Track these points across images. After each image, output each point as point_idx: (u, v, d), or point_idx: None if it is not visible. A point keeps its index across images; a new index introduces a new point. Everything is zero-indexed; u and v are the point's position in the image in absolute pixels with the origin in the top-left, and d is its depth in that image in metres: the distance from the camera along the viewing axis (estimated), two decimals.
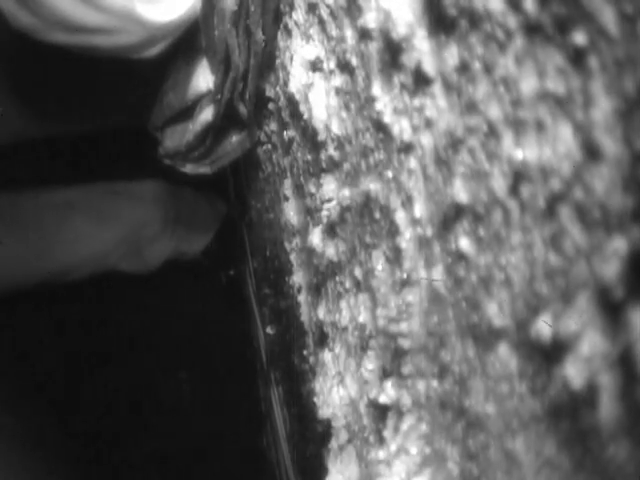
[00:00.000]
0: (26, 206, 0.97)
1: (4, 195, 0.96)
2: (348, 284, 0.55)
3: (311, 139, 0.57)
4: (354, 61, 0.47)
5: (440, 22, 0.36)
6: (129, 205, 1.03)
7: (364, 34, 0.44)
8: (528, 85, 0.30)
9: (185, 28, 0.57)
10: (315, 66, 0.54)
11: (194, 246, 1.09)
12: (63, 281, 1.00)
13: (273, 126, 0.69)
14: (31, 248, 0.96)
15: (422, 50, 0.38)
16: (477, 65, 0.33)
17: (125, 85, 0.78)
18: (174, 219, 1.06)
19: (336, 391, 0.59)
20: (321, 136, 0.54)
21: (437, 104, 0.38)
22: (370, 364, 0.52)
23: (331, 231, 0.57)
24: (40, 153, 0.99)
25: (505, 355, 0.35)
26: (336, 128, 0.52)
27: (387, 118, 0.43)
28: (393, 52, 0.41)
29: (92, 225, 0.99)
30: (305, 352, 0.70)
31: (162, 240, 1.05)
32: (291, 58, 0.58)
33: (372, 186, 0.47)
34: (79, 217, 0.98)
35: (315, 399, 0.63)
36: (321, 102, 0.53)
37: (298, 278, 0.70)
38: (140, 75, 0.64)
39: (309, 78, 0.55)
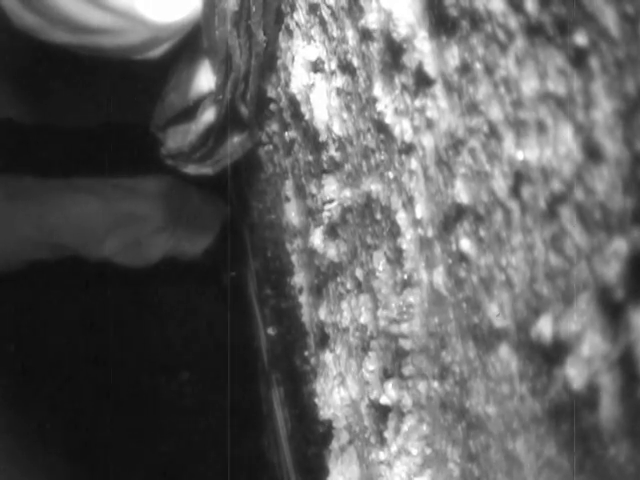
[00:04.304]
0: (30, 185, 0.98)
1: (9, 175, 0.97)
2: (349, 285, 0.56)
3: (312, 140, 0.57)
4: (355, 62, 0.47)
5: (441, 23, 0.36)
6: (133, 197, 1.03)
7: (365, 35, 0.44)
8: (529, 86, 0.30)
9: (189, 29, 0.57)
10: (316, 67, 0.54)
11: (195, 246, 1.10)
12: (62, 256, 1.01)
13: (274, 127, 0.69)
14: (32, 223, 0.97)
15: (423, 51, 0.38)
16: (478, 66, 0.33)
17: (127, 85, 0.78)
18: (176, 217, 1.06)
19: (337, 392, 0.59)
20: (322, 137, 0.54)
21: (438, 105, 0.38)
22: (371, 365, 0.52)
23: (332, 232, 0.57)
24: (44, 148, 1.00)
25: (506, 356, 0.35)
26: (337, 129, 0.52)
27: (388, 119, 0.43)
28: (394, 53, 0.41)
29: (94, 204, 1.00)
30: (306, 353, 0.70)
31: (162, 236, 1.05)
32: (292, 59, 0.58)
33: (373, 187, 0.47)
34: (82, 197, 1.00)
35: (316, 400, 0.63)
36: (322, 103, 0.53)
37: (299, 279, 0.70)
38: (143, 75, 0.64)
39: (310, 79, 0.55)
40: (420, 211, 0.42)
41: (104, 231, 1.01)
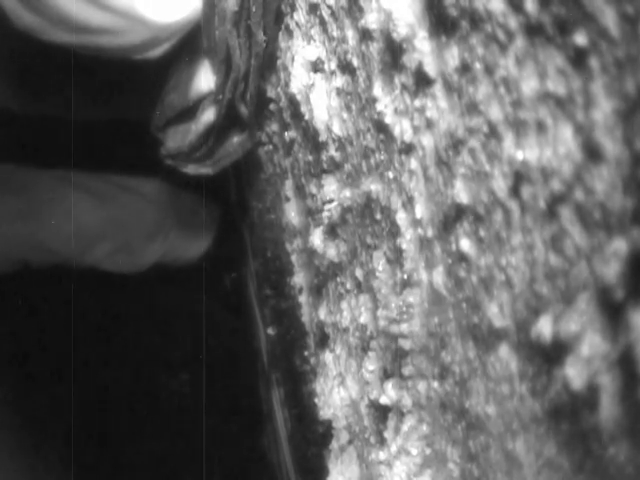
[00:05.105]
0: (20, 176, 0.94)
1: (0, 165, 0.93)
2: (349, 285, 0.55)
3: (312, 140, 0.57)
4: (355, 62, 0.47)
5: (441, 23, 0.36)
6: (127, 196, 1.00)
7: (365, 35, 0.44)
8: (529, 86, 0.30)
9: (188, 29, 0.57)
10: (316, 67, 0.54)
11: (188, 252, 1.07)
12: (51, 261, 0.97)
13: (274, 127, 0.69)
14: (20, 216, 0.92)
15: (423, 51, 0.38)
16: (478, 66, 0.33)
17: (128, 85, 0.78)
18: (170, 222, 1.04)
19: (337, 392, 0.59)
20: (322, 137, 0.54)
21: (438, 105, 0.38)
22: (371, 365, 0.52)
23: (332, 232, 0.57)
24: (40, 140, 0.98)
25: (505, 356, 0.35)
26: (337, 129, 0.52)
27: (388, 119, 0.43)
28: (394, 53, 0.41)
29: (86, 202, 0.95)
30: (306, 353, 0.70)
31: (155, 241, 1.02)
32: (292, 59, 0.58)
33: (373, 187, 0.47)
34: (74, 192, 0.95)
35: (316, 400, 0.63)
36: (322, 103, 0.53)
37: (299, 279, 0.70)
38: (143, 75, 0.64)
39: (310, 79, 0.55)
40: (420, 211, 0.42)
41: (95, 234, 0.97)
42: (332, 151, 0.54)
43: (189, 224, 1.07)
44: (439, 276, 0.41)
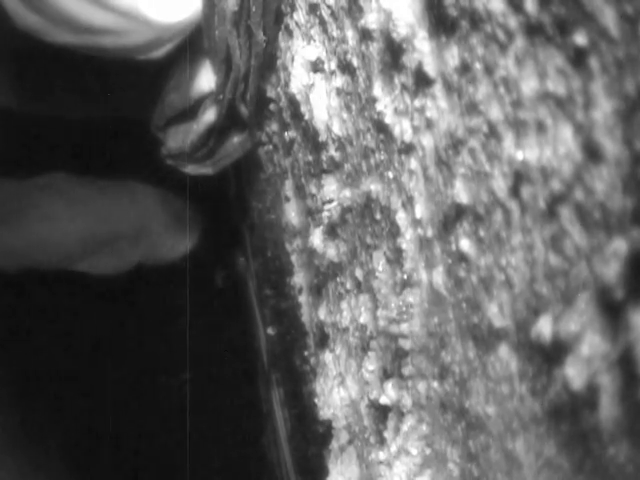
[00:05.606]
0: None
1: None
2: (349, 285, 0.56)
3: (312, 140, 0.57)
4: (355, 62, 0.47)
5: (441, 23, 0.36)
6: (108, 198, 0.98)
7: (365, 35, 0.44)
8: (528, 86, 0.30)
9: (191, 29, 0.57)
10: (316, 67, 0.54)
11: (172, 252, 1.06)
12: (29, 267, 0.95)
13: (274, 127, 0.69)
14: None
15: (423, 51, 0.38)
16: (478, 66, 0.33)
17: (129, 85, 0.78)
18: (152, 223, 1.03)
19: (337, 392, 0.59)
20: (322, 137, 0.54)
21: (438, 105, 0.38)
22: (371, 365, 0.52)
23: (332, 232, 0.57)
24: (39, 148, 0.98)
25: (505, 356, 0.35)
26: (337, 129, 0.52)
27: (388, 119, 0.43)
28: (394, 53, 0.41)
29: (63, 206, 0.93)
30: (306, 353, 0.70)
31: (138, 243, 1.01)
32: (292, 59, 0.58)
33: (373, 187, 0.47)
34: (50, 197, 0.93)
35: (316, 400, 0.63)
36: (322, 103, 0.53)
37: (299, 279, 0.70)
38: (144, 75, 0.64)
39: (310, 79, 0.55)
40: (420, 211, 0.42)
41: (74, 241, 0.94)
42: (332, 151, 0.54)
43: (172, 225, 1.06)
44: (439, 276, 0.41)
